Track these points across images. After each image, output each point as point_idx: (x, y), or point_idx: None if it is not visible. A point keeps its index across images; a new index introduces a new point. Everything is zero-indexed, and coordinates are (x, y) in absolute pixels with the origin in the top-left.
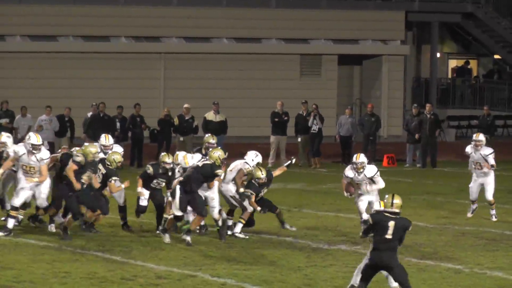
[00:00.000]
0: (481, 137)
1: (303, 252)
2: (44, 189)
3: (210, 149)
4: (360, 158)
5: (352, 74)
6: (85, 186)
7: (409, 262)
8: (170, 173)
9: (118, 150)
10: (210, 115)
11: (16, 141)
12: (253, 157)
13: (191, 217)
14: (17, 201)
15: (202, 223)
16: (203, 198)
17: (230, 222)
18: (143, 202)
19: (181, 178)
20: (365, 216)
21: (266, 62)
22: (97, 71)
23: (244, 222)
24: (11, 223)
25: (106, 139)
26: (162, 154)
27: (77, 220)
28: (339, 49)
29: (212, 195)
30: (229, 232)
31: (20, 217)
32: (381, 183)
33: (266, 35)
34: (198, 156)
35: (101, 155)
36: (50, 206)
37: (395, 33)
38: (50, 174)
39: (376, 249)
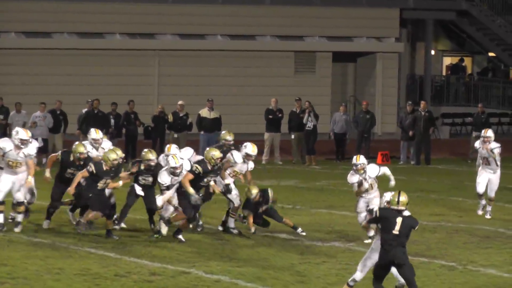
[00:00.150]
0: (490, 133)
1: (297, 249)
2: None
3: (208, 148)
4: (360, 159)
5: (346, 71)
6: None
7: None
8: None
9: (106, 146)
10: (204, 112)
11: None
12: (243, 150)
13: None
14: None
15: (200, 222)
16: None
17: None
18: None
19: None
20: (374, 207)
21: (260, 59)
22: (92, 67)
23: (234, 217)
24: (0, 218)
25: (96, 132)
26: (145, 151)
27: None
28: (334, 46)
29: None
30: (220, 228)
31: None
32: (391, 178)
33: (260, 32)
34: (188, 151)
35: (94, 152)
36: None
37: (390, 30)
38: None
39: (385, 246)
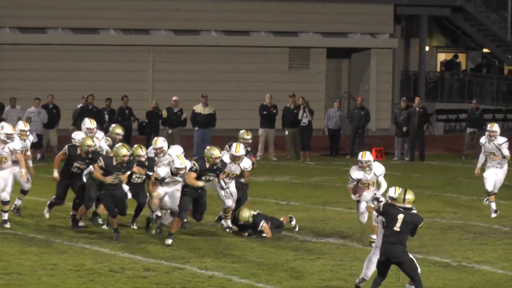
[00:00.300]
0: (496, 127)
1: (291, 245)
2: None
3: (208, 147)
4: (366, 156)
5: (340, 67)
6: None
7: None
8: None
9: (100, 136)
10: (199, 108)
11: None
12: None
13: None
14: None
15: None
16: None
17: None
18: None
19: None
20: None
21: (254, 55)
22: (86, 63)
23: (226, 217)
24: None
25: (90, 122)
26: (135, 146)
27: (115, 217)
28: (328, 42)
29: None
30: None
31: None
32: (383, 184)
33: (255, 28)
34: (177, 148)
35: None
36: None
37: (384, 26)
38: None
39: (385, 243)
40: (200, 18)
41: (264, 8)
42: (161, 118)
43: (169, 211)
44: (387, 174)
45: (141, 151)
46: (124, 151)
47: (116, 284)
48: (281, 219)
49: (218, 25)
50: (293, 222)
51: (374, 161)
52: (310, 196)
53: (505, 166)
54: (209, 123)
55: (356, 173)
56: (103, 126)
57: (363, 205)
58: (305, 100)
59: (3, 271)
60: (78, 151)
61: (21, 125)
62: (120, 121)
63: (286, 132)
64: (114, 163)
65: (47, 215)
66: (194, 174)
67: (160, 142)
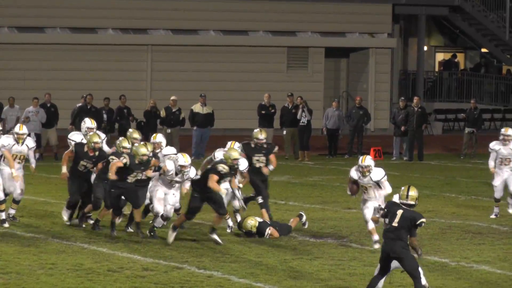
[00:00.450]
0: (510, 131)
1: (289, 245)
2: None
3: (227, 148)
4: (366, 161)
5: (339, 67)
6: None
7: None
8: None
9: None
10: (197, 107)
11: (4, 132)
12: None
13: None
14: None
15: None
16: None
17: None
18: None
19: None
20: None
21: (253, 55)
22: (84, 62)
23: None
24: None
25: (91, 122)
26: (120, 139)
27: (119, 216)
28: (326, 41)
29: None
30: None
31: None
32: (388, 188)
33: (253, 27)
34: (170, 149)
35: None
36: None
37: (382, 26)
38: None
39: (386, 239)
40: (198, 17)
41: (262, 8)
42: (158, 118)
43: (171, 209)
44: (386, 174)
45: (127, 144)
46: (143, 150)
47: (115, 284)
48: (291, 220)
49: (216, 24)
50: (303, 219)
51: (374, 166)
52: (309, 195)
53: None
54: (207, 123)
55: (354, 173)
56: (101, 125)
57: (367, 212)
58: (303, 99)
59: (2, 270)
60: (85, 149)
61: (17, 128)
62: (119, 120)
63: (284, 132)
64: (136, 162)
65: (65, 218)
66: (216, 177)
67: (159, 137)
